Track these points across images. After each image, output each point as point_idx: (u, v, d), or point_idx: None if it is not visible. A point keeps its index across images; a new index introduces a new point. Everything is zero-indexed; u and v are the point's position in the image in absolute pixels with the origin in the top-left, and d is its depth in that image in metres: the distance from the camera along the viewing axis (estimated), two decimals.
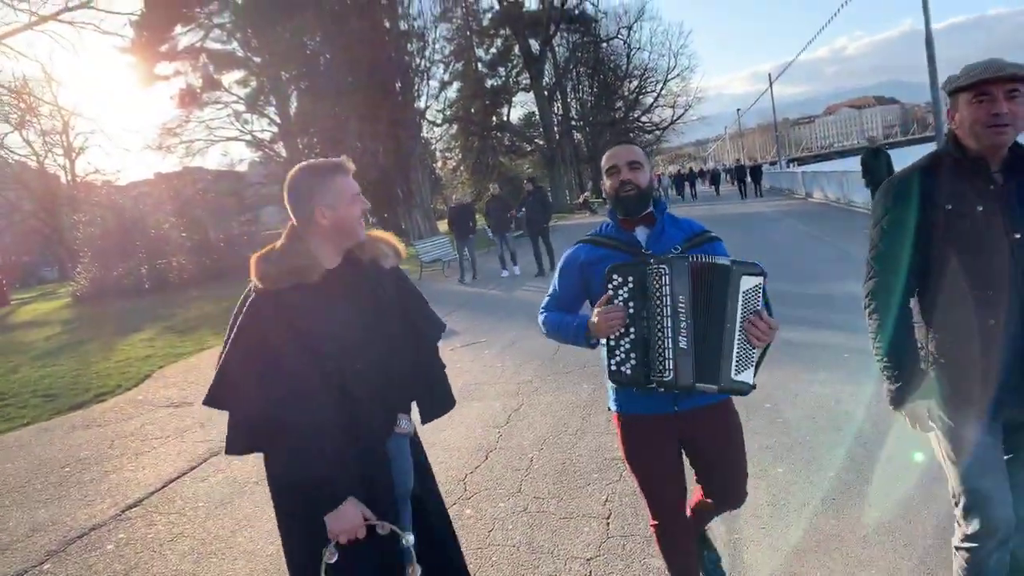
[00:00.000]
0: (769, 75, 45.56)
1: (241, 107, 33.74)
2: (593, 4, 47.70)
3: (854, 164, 14.45)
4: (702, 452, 2.38)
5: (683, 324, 2.05)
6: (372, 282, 2.15)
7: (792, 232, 15.72)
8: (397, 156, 30.11)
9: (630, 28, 51.38)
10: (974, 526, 1.98)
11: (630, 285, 2.09)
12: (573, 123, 53.93)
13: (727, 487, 2.44)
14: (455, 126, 45.11)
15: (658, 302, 2.06)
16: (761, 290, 2.06)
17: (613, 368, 2.15)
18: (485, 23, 46.00)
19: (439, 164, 47.40)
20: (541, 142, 49.07)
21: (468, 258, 14.71)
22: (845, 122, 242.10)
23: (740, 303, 2.03)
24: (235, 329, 2.00)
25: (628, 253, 2.25)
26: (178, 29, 30.58)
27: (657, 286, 2.06)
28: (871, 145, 13.58)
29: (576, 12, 48.15)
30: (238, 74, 33.61)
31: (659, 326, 2.07)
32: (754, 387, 2.12)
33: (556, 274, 2.44)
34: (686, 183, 44.57)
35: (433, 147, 44.05)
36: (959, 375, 1.98)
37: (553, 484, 4.04)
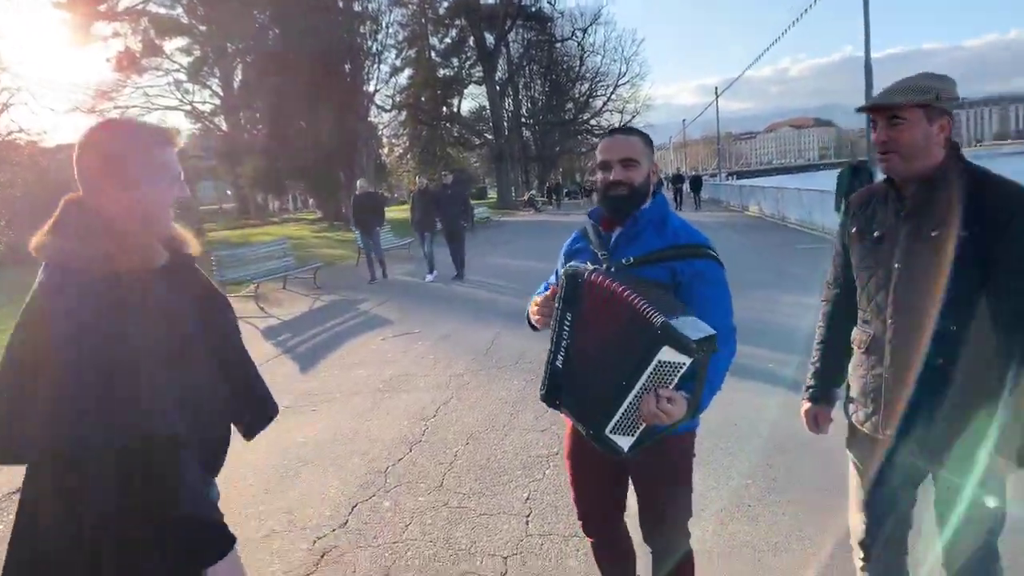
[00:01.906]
0: (716, 89, 46.81)
1: (183, 76, 32.50)
2: (550, 3, 47.84)
3: (791, 181, 14.88)
4: (636, 484, 2.17)
5: (563, 343, 1.86)
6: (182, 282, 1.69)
7: (727, 243, 16.10)
8: (342, 139, 29.53)
9: (585, 31, 51.87)
10: (858, 535, 2.13)
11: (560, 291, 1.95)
12: (523, 120, 54.08)
13: (652, 528, 2.18)
14: (404, 113, 44.55)
15: (555, 314, 1.88)
16: (680, 374, 1.65)
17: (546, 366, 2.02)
18: (441, 12, 45.54)
19: (385, 150, 46.80)
20: (490, 136, 48.98)
21: (376, 255, 13.13)
22: (784, 140, 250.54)
23: (649, 371, 1.64)
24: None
25: (593, 253, 2.06)
26: None
27: (559, 296, 1.88)
28: (852, 162, 12.47)
29: (533, 9, 48.18)
30: (181, 41, 32.33)
31: (551, 337, 1.90)
32: (629, 455, 1.78)
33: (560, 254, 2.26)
34: None
35: (380, 132, 43.44)
36: (853, 391, 2.08)
37: (475, 480, 4.00)
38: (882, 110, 1.84)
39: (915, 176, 1.85)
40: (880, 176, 2.06)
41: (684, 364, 1.63)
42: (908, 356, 1.83)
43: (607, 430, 1.73)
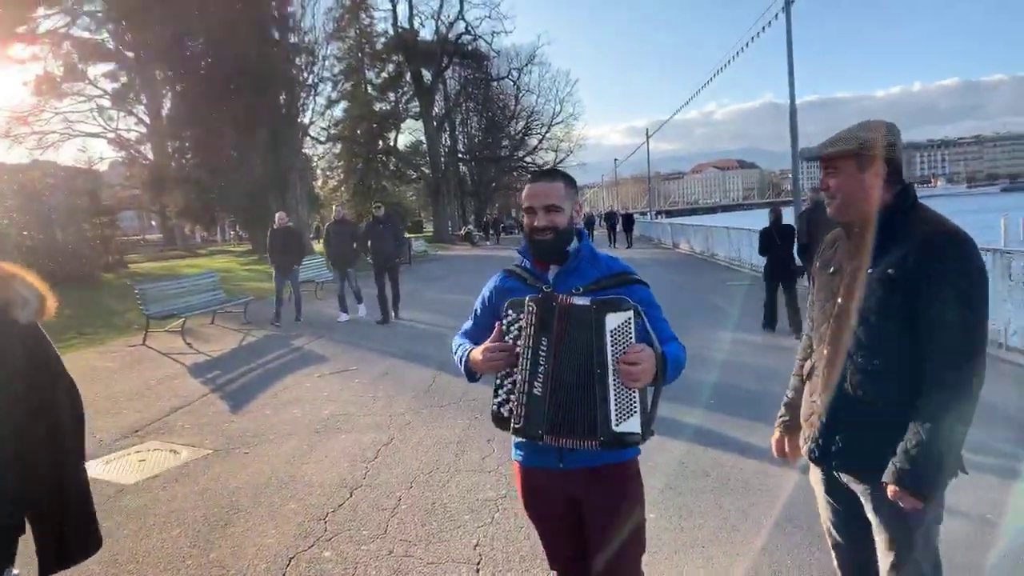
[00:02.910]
0: (646, 130, 48.24)
1: (107, 102, 31.41)
2: (487, 42, 48.62)
3: (720, 220, 15.30)
4: (587, 519, 2.08)
5: (541, 368, 1.88)
6: None
7: (662, 281, 16.41)
8: (275, 170, 28.95)
9: (520, 70, 52.93)
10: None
11: (520, 323, 1.94)
12: (460, 155, 54.43)
13: (606, 564, 2.06)
14: (339, 145, 44.15)
15: (524, 342, 1.90)
16: (632, 326, 1.84)
17: (494, 408, 2.00)
18: (378, 47, 45.65)
19: (319, 182, 46.11)
20: (427, 171, 49.01)
21: (291, 295, 12.08)
22: (710, 181, 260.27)
23: (608, 344, 1.82)
24: None
25: (534, 288, 2.06)
26: (41, 11, 28.06)
27: (526, 324, 1.91)
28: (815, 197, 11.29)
29: (469, 48, 48.92)
30: (106, 67, 31.31)
31: (521, 367, 1.90)
32: (646, 436, 1.86)
33: (479, 298, 2.27)
34: None
35: (315, 164, 42.86)
36: (800, 418, 2.18)
37: (421, 526, 3.83)
38: (820, 160, 2.00)
39: (857, 218, 1.96)
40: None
41: (629, 318, 1.83)
42: (835, 385, 1.96)
43: (614, 425, 1.81)
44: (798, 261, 8.77)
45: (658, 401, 1.91)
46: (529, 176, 2.32)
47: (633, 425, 1.82)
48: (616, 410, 1.80)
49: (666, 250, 28.16)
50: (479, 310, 2.26)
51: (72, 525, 1.57)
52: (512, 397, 1.93)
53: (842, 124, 2.07)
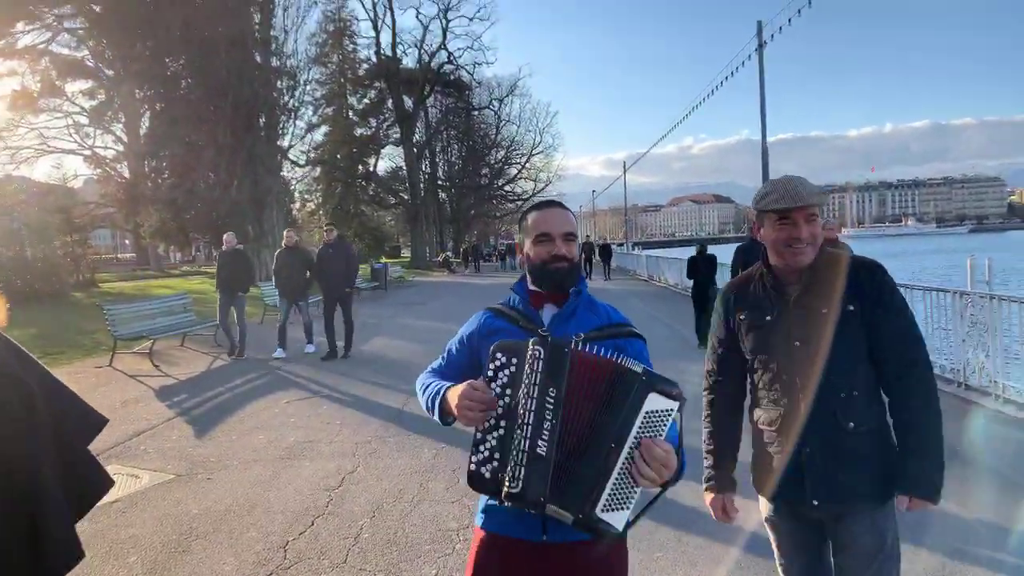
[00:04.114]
0: (624, 163, 48.97)
1: (84, 119, 31.21)
2: (469, 73, 49.26)
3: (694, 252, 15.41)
4: None
5: (547, 424, 1.59)
6: None
7: (638, 313, 16.59)
8: (253, 192, 28.90)
9: (501, 101, 53.67)
10: None
11: (512, 369, 1.66)
12: (440, 182, 54.72)
13: None
14: (319, 169, 44.22)
15: (525, 391, 1.61)
16: (670, 420, 1.57)
17: (472, 467, 1.67)
18: (361, 73, 46.05)
19: (297, 205, 46.05)
20: (406, 197, 49.18)
21: (239, 327, 11.07)
22: (686, 214, 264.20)
23: (637, 425, 1.55)
24: None
25: (527, 331, 1.82)
26: (20, 26, 28.00)
27: (529, 371, 1.62)
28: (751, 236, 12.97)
29: (452, 77, 49.52)
30: (85, 84, 31.17)
31: (520, 422, 1.60)
32: (621, 535, 1.60)
33: (456, 337, 2.02)
34: None
35: (293, 187, 42.84)
36: (759, 468, 2.18)
37: (382, 556, 3.83)
38: (803, 209, 2.02)
39: (812, 263, 2.05)
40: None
41: (672, 411, 1.56)
42: (822, 424, 2.00)
43: (598, 510, 1.53)
44: (719, 285, 10.17)
45: (654, 503, 1.66)
46: (512, 203, 2.16)
47: (617, 519, 1.55)
48: (609, 496, 1.55)
49: (641, 281, 28.43)
50: (454, 349, 2.00)
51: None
52: (498, 455, 1.63)
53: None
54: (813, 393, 2.00)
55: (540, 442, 1.58)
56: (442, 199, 57.24)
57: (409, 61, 47.66)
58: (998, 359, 6.78)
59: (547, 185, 56.17)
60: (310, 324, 11.43)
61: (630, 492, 1.55)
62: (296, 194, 44.72)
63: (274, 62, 32.16)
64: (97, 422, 1.72)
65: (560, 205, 1.98)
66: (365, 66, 46.18)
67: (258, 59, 30.83)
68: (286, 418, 6.97)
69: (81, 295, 20.16)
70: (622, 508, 1.55)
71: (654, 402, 1.55)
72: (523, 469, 1.58)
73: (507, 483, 1.59)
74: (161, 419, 6.99)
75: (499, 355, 1.68)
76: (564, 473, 1.57)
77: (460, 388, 1.68)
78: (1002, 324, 6.93)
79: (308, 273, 11.00)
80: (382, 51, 45.87)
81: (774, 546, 2.24)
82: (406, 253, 55.30)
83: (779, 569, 2.24)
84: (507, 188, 56.66)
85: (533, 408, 1.60)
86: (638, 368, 1.58)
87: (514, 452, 1.60)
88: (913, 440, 1.98)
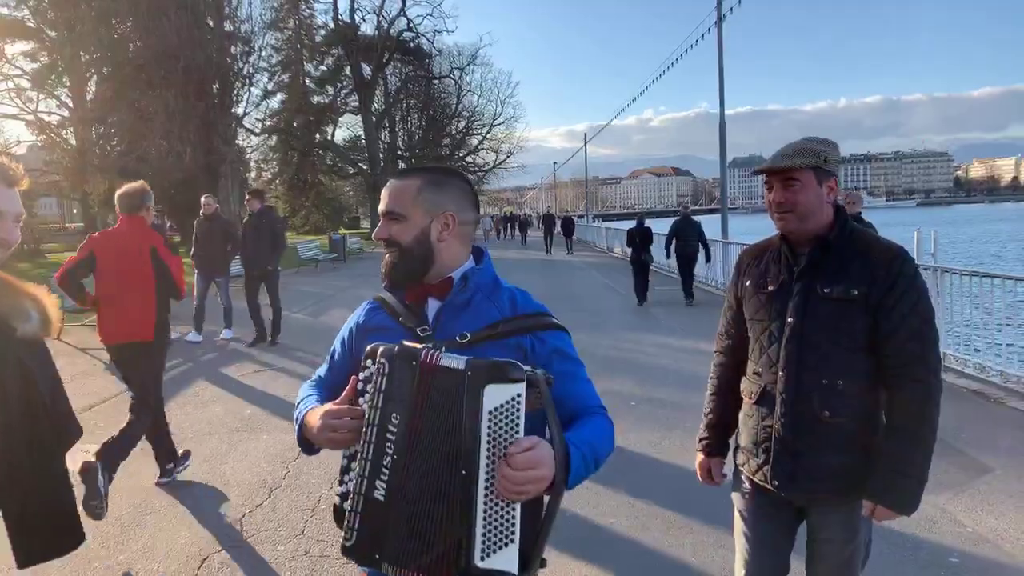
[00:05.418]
0: (585, 135, 49.08)
1: (26, 83, 29.79)
2: (429, 40, 48.39)
3: (658, 225, 15.59)
4: None
5: (387, 461, 1.29)
6: None
7: (593, 284, 16.80)
8: (207, 161, 28.13)
9: (462, 70, 52.79)
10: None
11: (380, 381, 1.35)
12: (399, 152, 53.92)
13: None
14: (275, 137, 43.22)
15: (371, 419, 1.31)
16: (521, 406, 1.24)
17: (336, 501, 1.39)
18: (318, 39, 44.90)
19: (253, 174, 45.00)
20: (365, 167, 48.40)
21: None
22: (646, 186, 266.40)
23: (484, 433, 1.23)
24: None
25: (405, 330, 1.47)
26: None
27: (372, 392, 1.32)
28: (686, 212, 13.43)
29: (411, 45, 48.53)
30: (26, 46, 29.70)
31: (359, 457, 1.32)
32: (531, 573, 1.29)
33: (340, 332, 1.66)
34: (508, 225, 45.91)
35: (248, 156, 41.78)
36: (739, 436, 2.15)
37: None
38: (777, 172, 1.94)
39: (809, 234, 1.95)
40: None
41: (518, 396, 1.24)
42: (798, 408, 1.92)
43: (477, 559, 1.21)
44: (655, 256, 13.71)
45: (553, 517, 1.29)
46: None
47: (506, 560, 1.22)
48: (484, 536, 1.22)
49: (601, 253, 28.69)
50: (337, 351, 1.64)
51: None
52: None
53: (773, 135, 2.05)
54: (794, 375, 1.93)
55: (378, 483, 1.29)
56: (402, 169, 56.57)
57: (368, 27, 46.54)
58: (941, 331, 7.08)
59: (508, 156, 55.95)
60: (229, 307, 9.76)
61: (507, 519, 1.23)
62: (252, 163, 43.68)
63: (227, 26, 31.12)
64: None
65: (402, 174, 1.53)
66: (322, 32, 45.05)
67: (210, 23, 29.80)
68: (242, 391, 6.91)
69: (27, 265, 19.51)
70: (507, 543, 1.22)
71: (494, 396, 1.24)
72: (357, 517, 1.30)
73: (343, 534, 1.31)
74: (112, 393, 6.87)
75: (368, 363, 1.38)
76: (417, 524, 1.26)
77: (320, 410, 1.41)
78: (945, 297, 7.37)
79: (229, 247, 9.51)
80: (340, 17, 44.77)
81: (736, 513, 2.16)
82: (366, 224, 54.64)
83: (741, 537, 2.15)
84: (468, 159, 56.18)
85: (373, 439, 1.30)
86: (459, 364, 1.28)
87: (352, 495, 1.32)
88: (895, 446, 1.86)
